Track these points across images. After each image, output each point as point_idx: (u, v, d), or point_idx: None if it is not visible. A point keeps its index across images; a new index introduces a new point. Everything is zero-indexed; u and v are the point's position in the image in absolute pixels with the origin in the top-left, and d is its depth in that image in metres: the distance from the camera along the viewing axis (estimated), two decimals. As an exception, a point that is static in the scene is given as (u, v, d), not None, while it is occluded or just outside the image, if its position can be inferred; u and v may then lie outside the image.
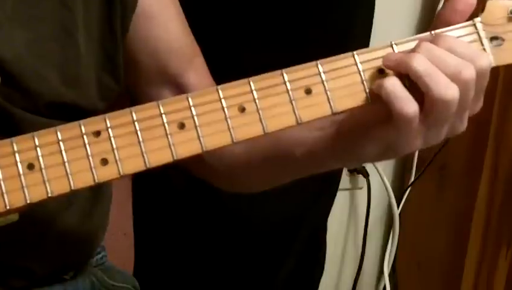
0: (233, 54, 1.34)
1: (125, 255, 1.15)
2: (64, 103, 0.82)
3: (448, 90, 0.68)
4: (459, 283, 1.65)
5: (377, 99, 0.70)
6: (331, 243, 1.64)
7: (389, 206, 1.79)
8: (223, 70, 1.32)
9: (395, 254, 1.81)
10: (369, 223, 1.77)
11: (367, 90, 0.70)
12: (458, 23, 0.72)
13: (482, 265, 1.64)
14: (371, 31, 1.48)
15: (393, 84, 0.69)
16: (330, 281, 1.82)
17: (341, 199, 1.74)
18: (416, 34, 1.73)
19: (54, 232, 0.86)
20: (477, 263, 1.64)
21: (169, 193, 1.37)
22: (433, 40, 0.70)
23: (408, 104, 0.68)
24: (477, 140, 1.58)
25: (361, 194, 1.79)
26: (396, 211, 1.77)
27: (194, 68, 0.94)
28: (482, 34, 0.72)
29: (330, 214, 1.59)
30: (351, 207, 1.82)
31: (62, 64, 0.82)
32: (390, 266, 1.82)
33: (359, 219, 1.82)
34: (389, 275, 1.81)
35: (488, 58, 0.71)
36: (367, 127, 0.72)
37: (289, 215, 1.46)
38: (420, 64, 0.68)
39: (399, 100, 0.68)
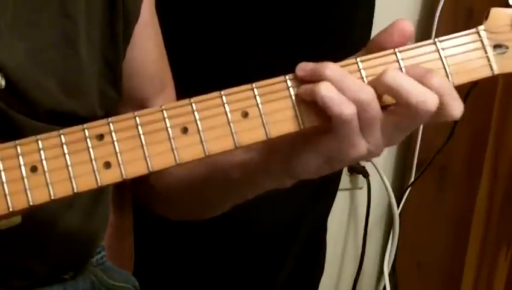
0: (234, 54, 1.34)
1: (125, 255, 1.15)
2: (63, 111, 0.82)
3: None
4: (459, 283, 1.66)
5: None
6: (331, 243, 1.64)
7: (389, 206, 1.80)
8: (225, 72, 1.33)
9: (395, 254, 1.81)
10: (369, 223, 1.78)
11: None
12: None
13: (482, 265, 1.64)
14: (371, 31, 1.48)
15: (327, 88, 0.68)
16: (330, 281, 1.83)
17: (341, 199, 1.74)
18: (415, 35, 1.73)
19: (55, 232, 0.86)
20: (477, 263, 1.65)
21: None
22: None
23: (346, 105, 0.68)
24: (477, 140, 1.58)
25: (361, 194, 1.79)
26: (396, 211, 1.77)
27: (164, 98, 0.94)
28: (486, 41, 0.72)
29: (330, 214, 1.59)
30: (351, 207, 1.82)
31: (63, 73, 0.82)
32: (390, 266, 1.82)
33: (359, 219, 1.82)
34: (389, 275, 1.82)
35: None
36: (303, 141, 0.72)
37: (289, 215, 1.46)
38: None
39: (337, 103, 0.68)
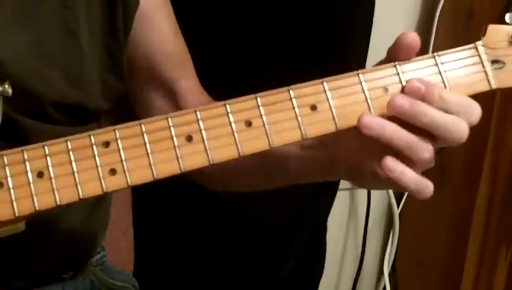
0: (234, 51, 1.34)
1: (125, 255, 1.15)
2: (69, 103, 0.82)
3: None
4: (459, 283, 1.66)
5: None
6: (331, 243, 1.64)
7: (389, 206, 1.80)
8: (225, 68, 1.33)
9: (395, 254, 1.81)
10: (369, 223, 1.77)
11: (371, 109, 0.71)
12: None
13: (482, 265, 1.64)
14: (370, 31, 1.48)
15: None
16: (330, 281, 1.83)
17: (341, 199, 1.74)
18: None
19: (56, 233, 0.86)
20: (477, 263, 1.64)
21: (169, 192, 1.37)
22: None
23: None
24: (477, 140, 1.58)
25: (361, 194, 1.79)
26: (396, 211, 1.77)
27: (185, 74, 0.95)
28: (484, 56, 0.74)
29: (330, 214, 1.59)
30: (351, 207, 1.82)
31: (66, 65, 0.82)
32: (390, 266, 1.82)
33: (359, 219, 1.82)
34: (389, 275, 1.82)
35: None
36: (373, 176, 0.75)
37: (289, 215, 1.46)
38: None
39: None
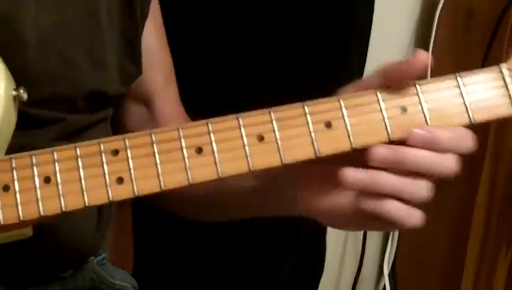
0: (234, 54, 1.35)
1: (125, 255, 1.15)
2: (91, 86, 0.83)
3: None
4: (459, 283, 1.66)
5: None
6: (331, 243, 1.64)
7: (389, 206, 1.79)
8: (226, 70, 1.33)
9: (395, 254, 1.81)
10: (369, 223, 1.77)
11: (388, 129, 0.70)
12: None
13: (482, 265, 1.64)
14: (370, 31, 1.48)
15: (397, 209, 0.69)
16: (330, 281, 1.83)
17: (341, 199, 1.74)
18: (415, 35, 1.71)
19: (58, 232, 0.86)
20: (477, 263, 1.65)
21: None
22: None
23: (415, 218, 0.69)
24: (477, 140, 1.58)
25: (362, 194, 1.79)
26: (396, 211, 1.77)
27: (168, 93, 0.96)
28: (508, 80, 0.71)
29: (330, 214, 1.59)
30: (351, 207, 1.82)
31: (89, 47, 0.83)
32: (390, 266, 1.82)
33: (359, 219, 1.82)
34: (389, 275, 1.82)
35: None
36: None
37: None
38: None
39: (406, 218, 0.69)
